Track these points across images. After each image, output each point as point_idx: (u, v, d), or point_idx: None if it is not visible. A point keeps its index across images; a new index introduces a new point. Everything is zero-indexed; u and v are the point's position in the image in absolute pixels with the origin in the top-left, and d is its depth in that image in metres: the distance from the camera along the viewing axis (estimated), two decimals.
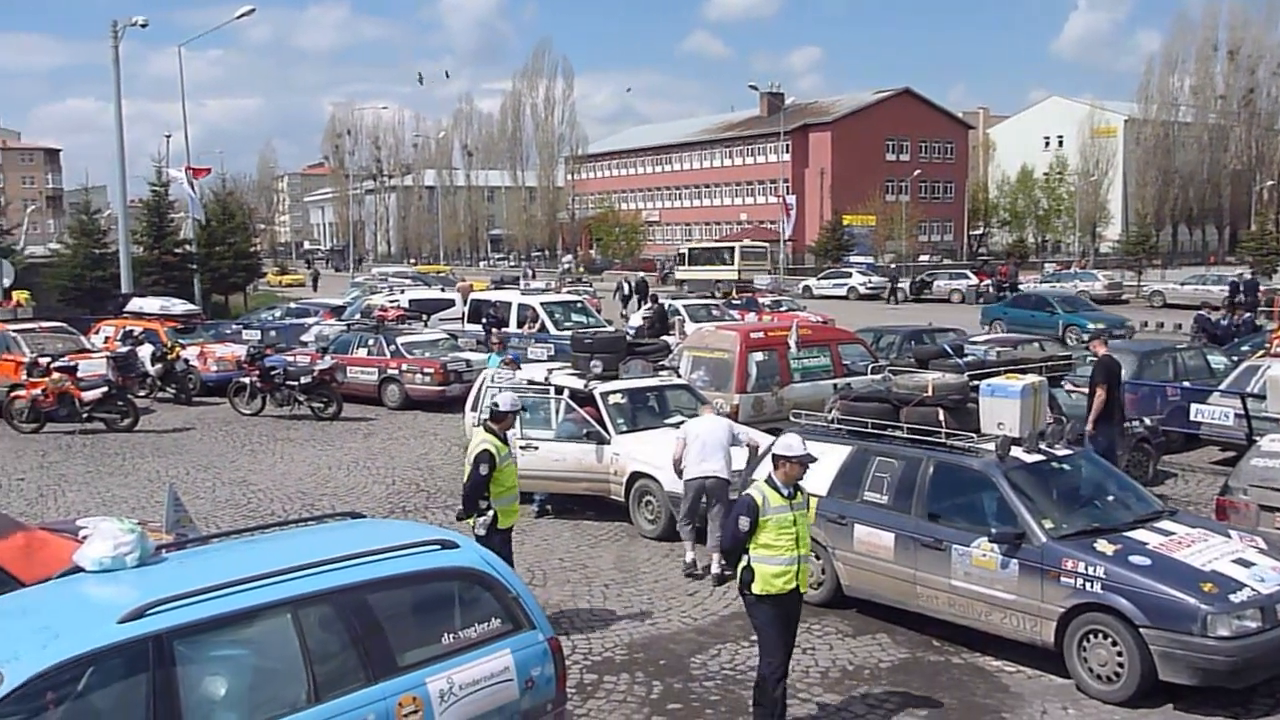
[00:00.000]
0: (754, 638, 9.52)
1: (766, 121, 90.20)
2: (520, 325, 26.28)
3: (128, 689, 5.17)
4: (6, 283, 26.53)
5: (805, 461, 7.58)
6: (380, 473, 16.61)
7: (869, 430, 10.17)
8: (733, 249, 61.66)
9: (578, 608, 10.42)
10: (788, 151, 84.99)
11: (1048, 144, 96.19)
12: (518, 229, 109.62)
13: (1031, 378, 9.95)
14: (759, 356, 16.81)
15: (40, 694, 4.92)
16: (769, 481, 7.59)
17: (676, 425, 13.58)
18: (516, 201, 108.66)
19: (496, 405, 9.81)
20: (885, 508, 9.64)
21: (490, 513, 9.34)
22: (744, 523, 7.40)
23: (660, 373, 15.16)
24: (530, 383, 14.64)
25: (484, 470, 9.29)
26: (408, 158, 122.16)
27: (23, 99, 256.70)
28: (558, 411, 13.84)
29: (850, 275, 59.31)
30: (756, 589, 7.45)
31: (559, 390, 14.15)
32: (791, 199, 76.68)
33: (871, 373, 13.71)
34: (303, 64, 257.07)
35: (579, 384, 14.14)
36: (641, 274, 54.83)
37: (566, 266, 77.66)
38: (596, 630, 9.77)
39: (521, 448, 13.37)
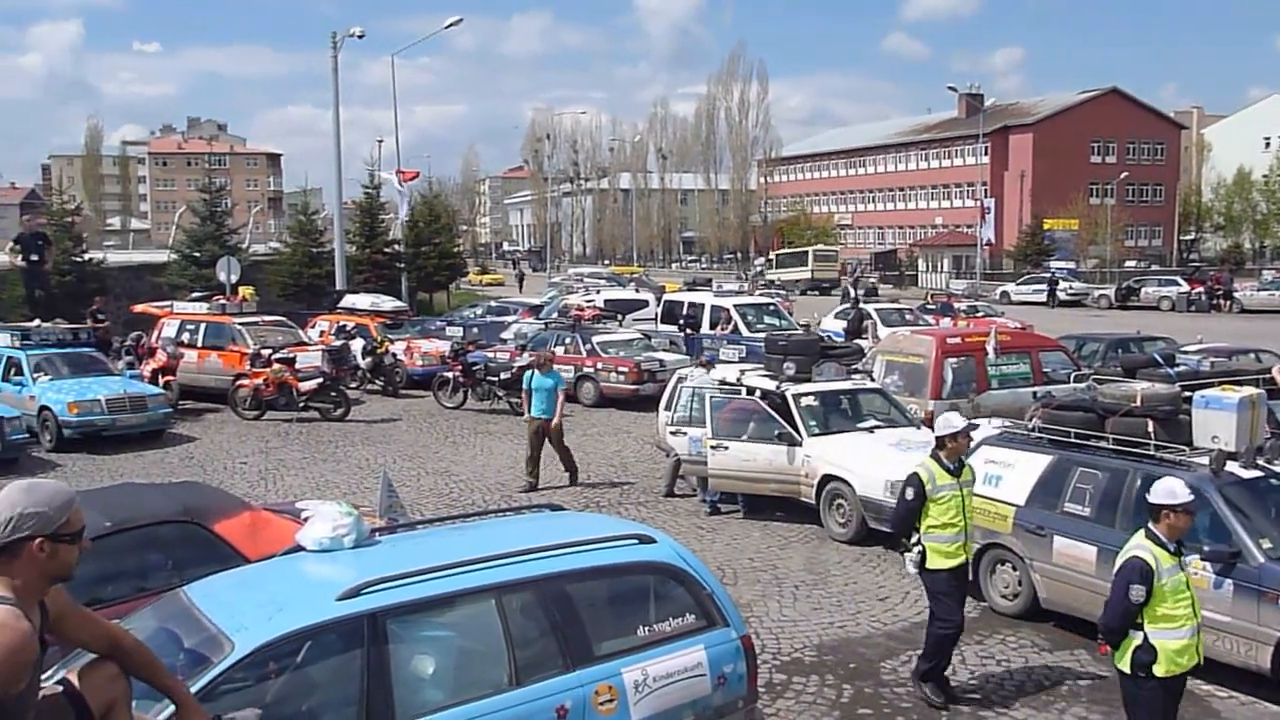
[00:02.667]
0: None
1: (964, 123, 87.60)
2: (713, 327, 26.49)
3: (343, 663, 5.45)
4: (233, 278, 28.14)
5: (1194, 510, 6.41)
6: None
7: (1072, 440, 9.85)
8: (807, 253, 74.20)
9: (768, 607, 10.43)
10: (986, 154, 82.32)
11: (1268, 144, 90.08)
12: (710, 231, 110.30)
13: (1249, 390, 9.46)
14: (955, 362, 16.44)
15: (265, 663, 5.25)
16: (1152, 537, 6.31)
17: (870, 430, 13.47)
18: (709, 204, 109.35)
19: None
20: (1088, 520, 9.32)
21: (918, 547, 8.22)
22: (1136, 592, 6.13)
23: (853, 376, 15.04)
24: (722, 383, 14.76)
25: (909, 496, 8.16)
26: (604, 161, 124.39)
27: (247, 106, 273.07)
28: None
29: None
30: (1160, 670, 6.20)
31: (750, 391, 14.21)
32: (989, 202, 74.52)
33: (1074, 381, 13.28)
34: (506, 70, 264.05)
35: (771, 385, 14.15)
36: (874, 279, 54.32)
37: (759, 269, 77.90)
38: (786, 630, 9.76)
39: (711, 448, 13.48)
